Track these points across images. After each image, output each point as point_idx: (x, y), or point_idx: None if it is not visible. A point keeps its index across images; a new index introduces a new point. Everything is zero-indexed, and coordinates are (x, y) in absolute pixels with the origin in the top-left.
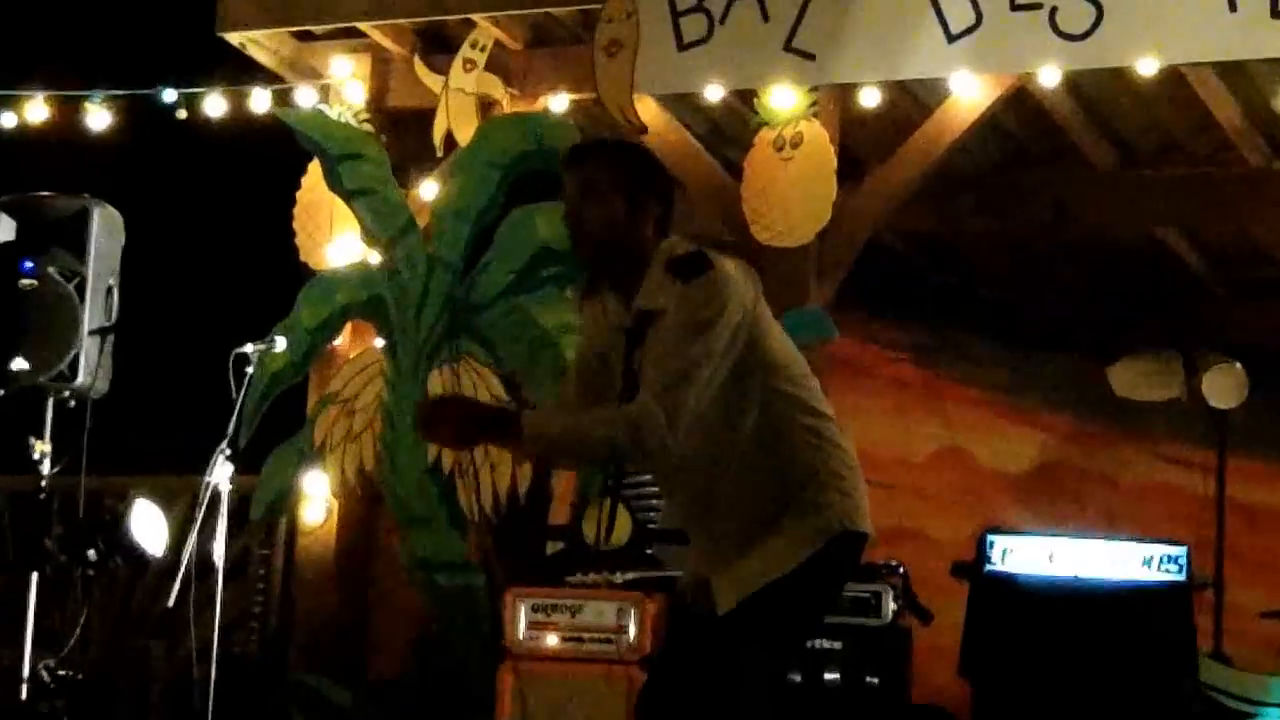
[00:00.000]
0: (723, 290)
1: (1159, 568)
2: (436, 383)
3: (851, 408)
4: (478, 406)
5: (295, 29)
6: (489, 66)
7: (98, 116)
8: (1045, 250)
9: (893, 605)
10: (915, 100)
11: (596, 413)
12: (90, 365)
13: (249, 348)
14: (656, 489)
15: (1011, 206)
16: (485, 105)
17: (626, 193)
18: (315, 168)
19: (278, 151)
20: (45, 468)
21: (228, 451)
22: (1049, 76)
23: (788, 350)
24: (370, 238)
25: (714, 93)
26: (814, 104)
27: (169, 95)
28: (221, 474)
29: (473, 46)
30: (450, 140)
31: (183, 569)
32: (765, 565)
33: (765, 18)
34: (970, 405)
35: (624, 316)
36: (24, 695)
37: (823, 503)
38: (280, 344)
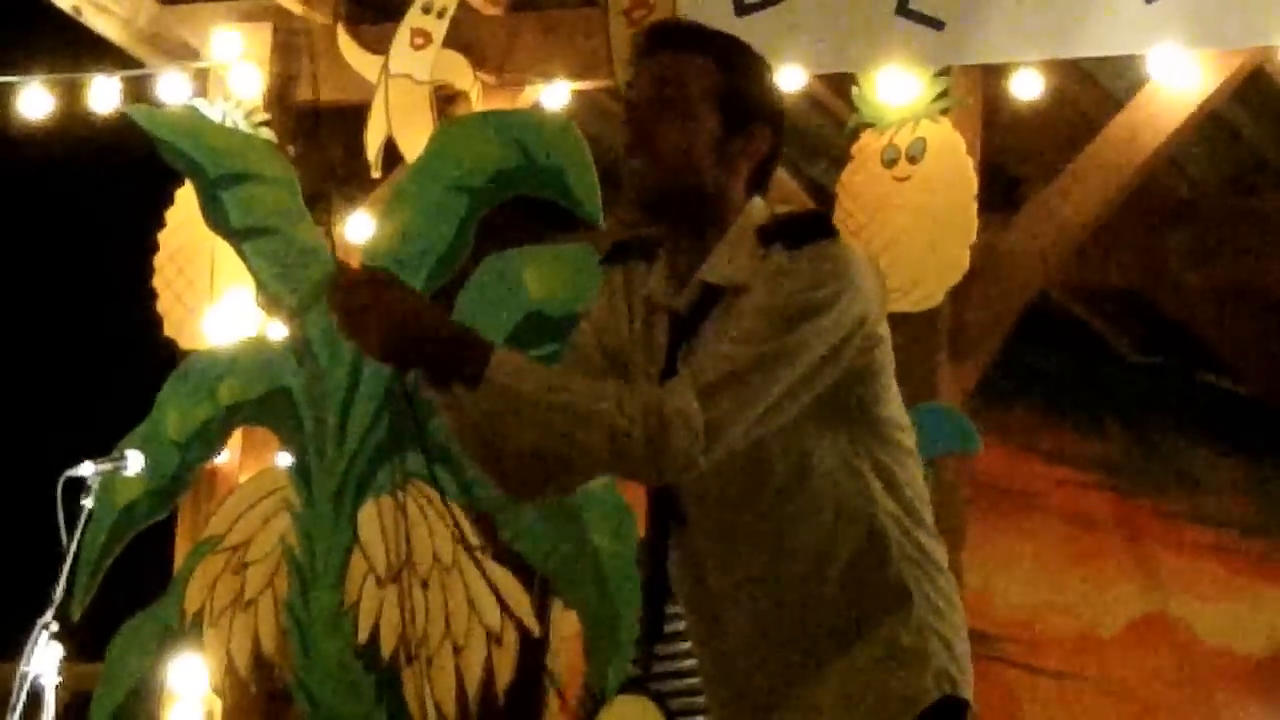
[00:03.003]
0: (846, 271)
1: None
2: (371, 523)
3: (1003, 554)
4: (427, 308)
5: None
6: (451, 42)
7: None
8: None
9: None
10: (1098, 90)
11: (602, 386)
12: None
13: (86, 469)
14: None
15: (1248, 249)
16: (445, 100)
17: (725, 111)
18: (186, 195)
19: (129, 170)
20: None
21: (54, 626)
22: None
23: (903, 416)
24: (270, 301)
25: (791, 78)
26: (944, 96)
27: None
28: (44, 660)
29: (426, 11)
30: (393, 152)
31: None
32: None
33: None
34: (1189, 552)
35: (671, 293)
36: None
37: (916, 649)
38: (133, 463)
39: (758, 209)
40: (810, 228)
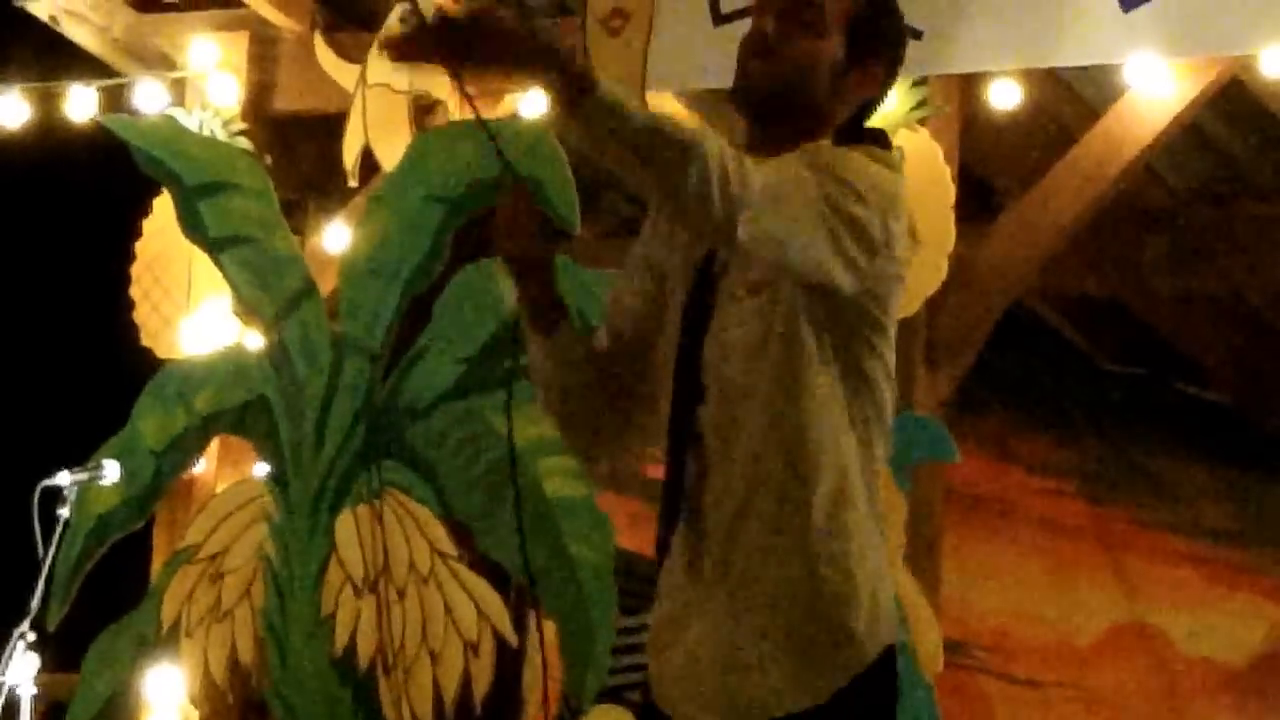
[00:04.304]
0: (899, 194)
1: None
2: (348, 532)
3: (981, 564)
4: (526, 29)
5: None
6: None
7: None
8: None
9: None
10: (1075, 99)
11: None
12: None
13: (63, 479)
14: None
15: (1226, 259)
16: (423, 109)
17: (852, 39)
18: (164, 204)
19: (106, 180)
20: None
21: (30, 636)
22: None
23: (889, 387)
24: (246, 310)
25: None
26: (921, 105)
27: None
28: (21, 671)
29: (403, 21)
30: (370, 162)
31: None
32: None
33: None
34: (1165, 561)
35: None
36: None
37: (880, 604)
38: (111, 472)
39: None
40: (874, 137)
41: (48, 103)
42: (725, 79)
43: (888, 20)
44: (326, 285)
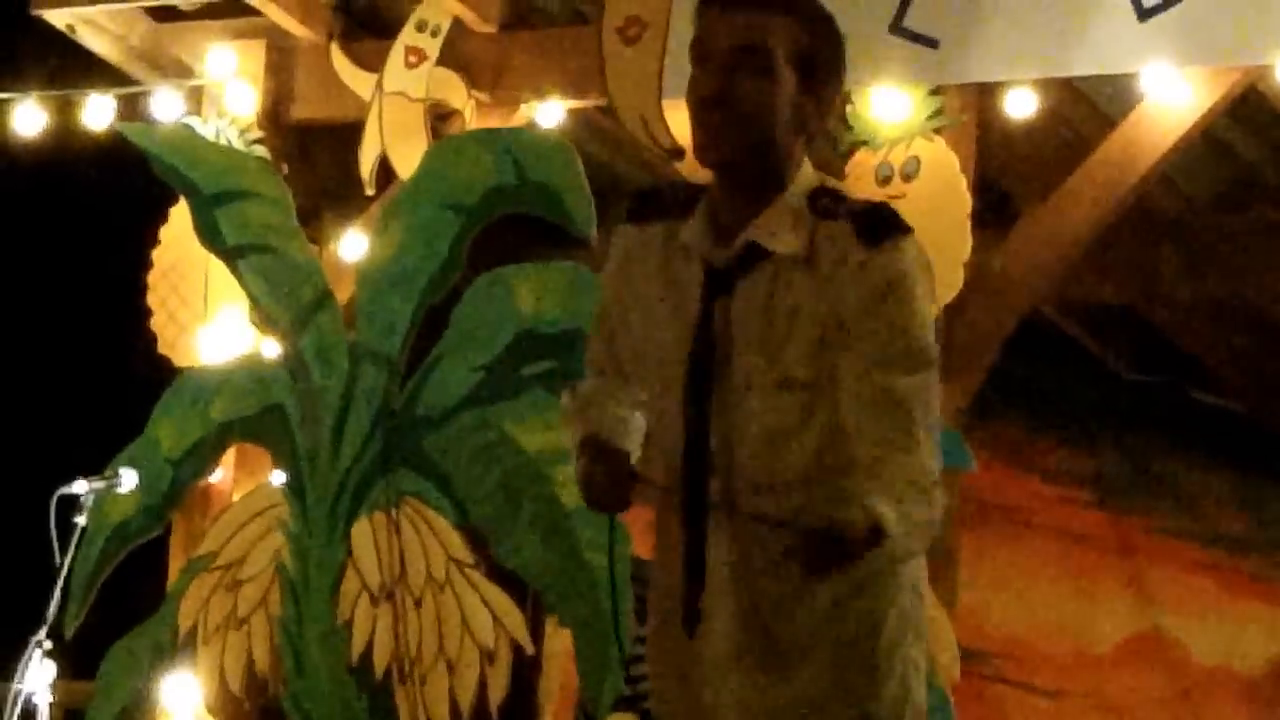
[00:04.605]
0: (929, 286)
1: None
2: (365, 540)
3: (997, 572)
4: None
5: (150, 3)
6: (444, 59)
7: None
8: None
9: None
10: (1091, 108)
11: (896, 477)
12: None
13: (80, 486)
14: None
15: (1241, 266)
16: (439, 117)
17: (802, 72)
18: (180, 213)
19: (123, 188)
20: None
21: (47, 644)
22: None
23: None
24: (263, 318)
25: None
26: (938, 114)
27: None
28: (38, 678)
29: (420, 29)
30: (386, 170)
31: None
32: None
33: None
34: (1183, 570)
35: (710, 244)
36: None
37: (912, 694)
38: (127, 480)
39: (808, 173)
40: (891, 222)
41: (65, 111)
42: None
43: (834, 46)
44: (343, 293)
